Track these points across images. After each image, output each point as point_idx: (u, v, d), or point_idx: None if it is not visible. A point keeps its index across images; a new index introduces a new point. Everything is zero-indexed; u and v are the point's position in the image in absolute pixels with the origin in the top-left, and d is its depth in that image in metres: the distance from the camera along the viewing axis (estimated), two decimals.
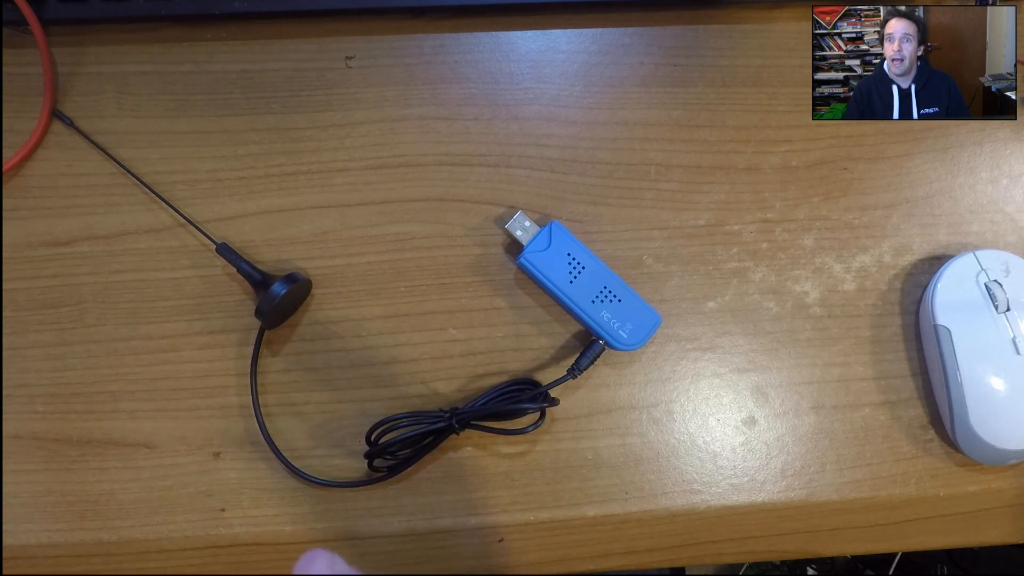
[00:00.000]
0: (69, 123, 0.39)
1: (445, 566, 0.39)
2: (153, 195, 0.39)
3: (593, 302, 0.38)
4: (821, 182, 0.41)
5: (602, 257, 0.39)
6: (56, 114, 0.39)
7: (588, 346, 0.38)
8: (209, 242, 0.39)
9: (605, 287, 0.38)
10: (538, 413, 0.38)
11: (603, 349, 0.38)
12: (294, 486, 0.39)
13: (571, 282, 0.38)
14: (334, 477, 0.39)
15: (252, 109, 0.40)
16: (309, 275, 0.39)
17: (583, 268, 0.38)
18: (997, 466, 0.40)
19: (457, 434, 0.37)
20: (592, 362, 0.38)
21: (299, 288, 0.37)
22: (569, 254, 0.38)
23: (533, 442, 0.39)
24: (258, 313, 0.36)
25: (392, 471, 0.38)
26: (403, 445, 0.36)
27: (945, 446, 0.40)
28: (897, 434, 0.40)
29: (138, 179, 0.39)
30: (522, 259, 0.38)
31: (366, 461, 0.37)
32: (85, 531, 0.38)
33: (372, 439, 0.36)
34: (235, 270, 0.38)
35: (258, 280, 0.37)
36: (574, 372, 0.37)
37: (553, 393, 0.38)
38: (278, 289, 0.36)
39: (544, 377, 0.39)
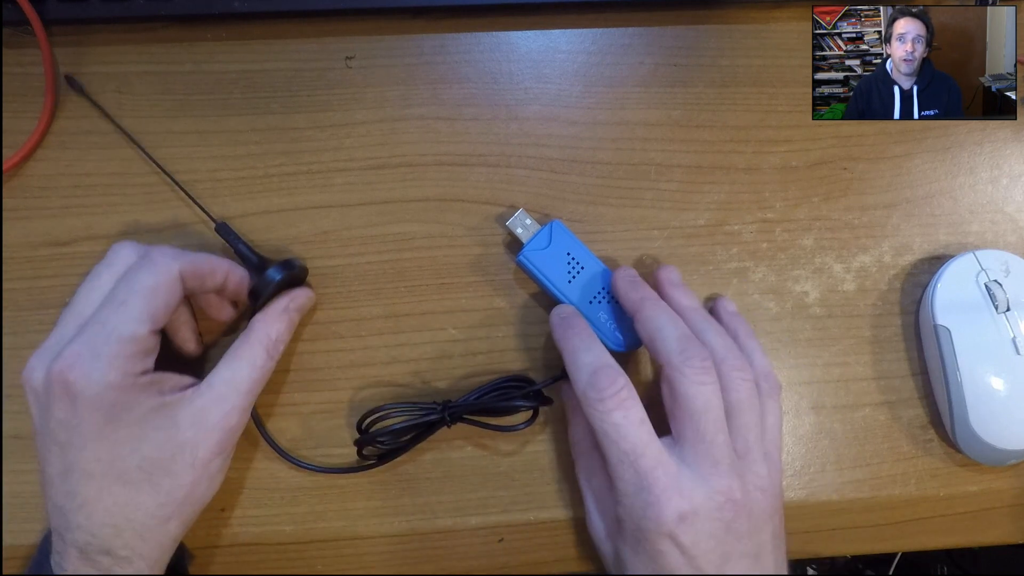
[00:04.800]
0: (80, 90, 0.39)
1: (445, 566, 0.39)
2: (155, 184, 0.39)
3: (591, 302, 0.38)
4: (821, 182, 0.41)
5: (602, 257, 0.39)
6: (68, 79, 0.39)
7: None
8: (209, 242, 0.39)
9: (603, 288, 0.38)
10: (530, 412, 0.37)
11: None
12: (294, 486, 0.39)
13: (569, 282, 0.38)
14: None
15: (252, 109, 0.40)
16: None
17: (582, 268, 0.38)
18: (997, 466, 0.40)
19: (449, 427, 0.37)
20: None
21: (294, 276, 0.37)
22: (569, 253, 0.38)
23: (533, 441, 0.39)
24: (251, 296, 0.36)
25: (381, 459, 0.38)
26: (394, 435, 0.36)
27: (945, 446, 0.40)
28: (897, 434, 0.40)
29: (142, 148, 0.39)
30: (521, 257, 0.38)
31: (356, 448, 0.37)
32: None
33: (363, 427, 0.36)
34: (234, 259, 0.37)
35: (254, 263, 0.37)
36: None
37: (551, 393, 0.38)
38: (273, 274, 0.35)
39: (544, 377, 0.39)
